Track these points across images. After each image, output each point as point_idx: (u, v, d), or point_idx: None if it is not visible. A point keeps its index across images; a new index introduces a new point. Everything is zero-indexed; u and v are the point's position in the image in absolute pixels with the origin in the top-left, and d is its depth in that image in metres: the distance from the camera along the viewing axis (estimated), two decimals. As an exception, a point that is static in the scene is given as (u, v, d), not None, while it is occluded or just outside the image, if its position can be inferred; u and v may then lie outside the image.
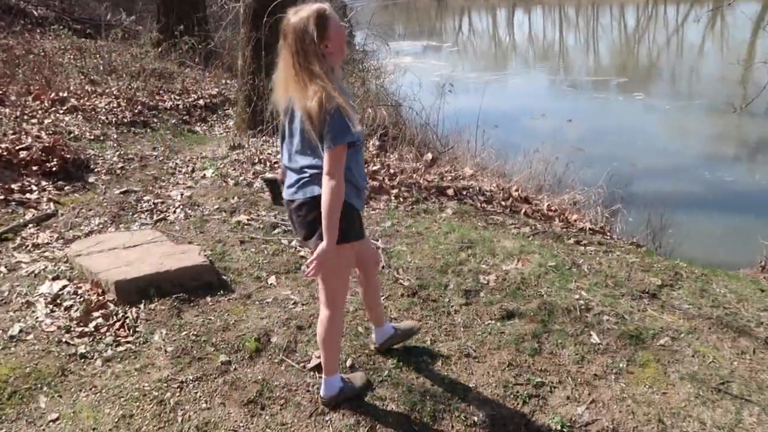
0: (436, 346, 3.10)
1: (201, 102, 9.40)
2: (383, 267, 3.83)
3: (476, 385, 2.83)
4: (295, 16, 2.12)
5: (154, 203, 4.91)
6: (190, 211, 4.75)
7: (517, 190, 6.02)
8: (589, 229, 5.53)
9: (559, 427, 2.59)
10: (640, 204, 6.77)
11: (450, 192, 5.53)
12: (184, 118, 8.47)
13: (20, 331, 3.03)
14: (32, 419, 2.50)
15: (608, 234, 5.76)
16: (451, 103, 8.69)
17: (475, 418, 2.61)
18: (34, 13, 11.71)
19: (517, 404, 2.73)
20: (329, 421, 2.56)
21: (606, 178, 6.72)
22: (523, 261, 3.99)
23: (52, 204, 4.73)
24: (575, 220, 5.80)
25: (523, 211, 5.55)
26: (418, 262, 3.94)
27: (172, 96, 9.19)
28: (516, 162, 7.45)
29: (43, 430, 2.44)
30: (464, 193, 5.61)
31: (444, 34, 37.23)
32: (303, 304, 3.41)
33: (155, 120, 7.81)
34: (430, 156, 6.45)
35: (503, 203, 5.66)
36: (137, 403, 2.60)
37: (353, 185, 2.27)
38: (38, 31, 10.97)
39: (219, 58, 12.03)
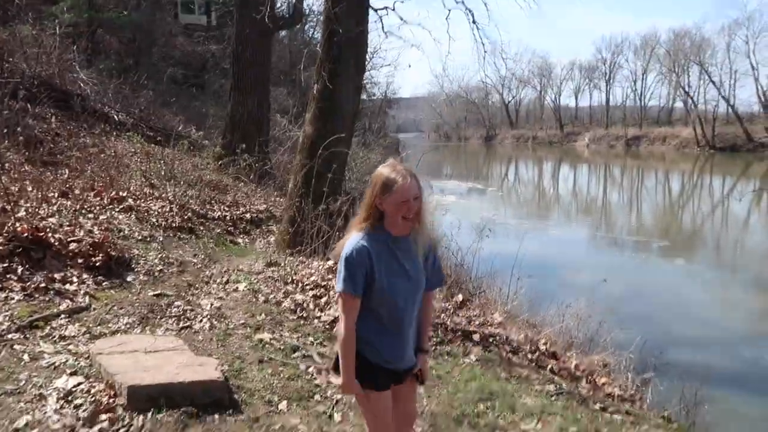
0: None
1: (248, 215, 9.82)
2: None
3: None
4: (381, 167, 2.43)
5: (183, 310, 5.00)
6: (216, 322, 4.80)
7: (545, 344, 5.88)
8: (618, 395, 5.28)
9: None
10: (674, 374, 6.45)
11: (476, 337, 5.44)
12: (229, 228, 8.82)
13: (26, 424, 3.02)
14: None
15: (638, 403, 5.47)
16: (489, 247, 8.81)
17: None
18: (115, 118, 12.80)
19: None
20: None
21: (639, 343, 6.51)
22: (543, 422, 3.81)
23: (87, 297, 4.87)
24: (603, 384, 5.56)
25: (549, 366, 5.38)
26: (434, 408, 3.82)
27: (222, 207, 9.65)
28: (547, 314, 7.34)
29: None
30: (491, 340, 5.51)
31: (490, 178, 38.66)
32: (310, 438, 3.30)
33: (202, 228, 8.15)
34: (460, 297, 6.44)
35: (530, 356, 5.51)
36: None
37: (364, 341, 2.38)
38: (114, 134, 11.97)
39: (272, 178, 12.72)
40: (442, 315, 5.68)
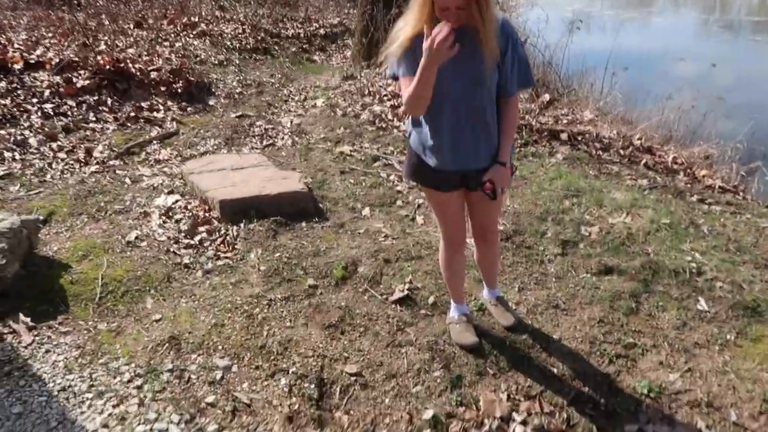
0: (524, 294, 2.99)
1: (322, 31, 9.49)
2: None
3: (560, 338, 2.71)
4: None
5: (265, 128, 5.09)
6: (297, 138, 4.87)
7: (639, 139, 5.53)
8: (719, 187, 4.99)
9: (645, 392, 2.42)
10: (786, 164, 5.97)
11: (563, 136, 5.19)
12: (303, 46, 8.60)
13: (136, 237, 3.31)
14: (139, 317, 2.75)
15: (741, 194, 5.17)
16: (581, 42, 8.04)
17: (555, 370, 2.51)
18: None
19: (603, 362, 2.59)
20: (404, 354, 2.58)
21: (747, 133, 5.97)
22: (633, 215, 3.69)
23: (175, 123, 5.05)
24: (704, 176, 5.25)
25: (643, 162, 5.10)
26: (518, 207, 3.79)
27: (295, 24, 9.34)
28: (644, 109, 6.81)
29: (147, 327, 2.69)
30: (579, 138, 5.24)
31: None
32: (393, 238, 3.42)
33: (276, 47, 8.00)
34: (547, 97, 6.07)
35: (621, 152, 5.23)
36: (229, 314, 2.77)
37: (412, 136, 2.26)
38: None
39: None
40: (527, 116, 5.41)
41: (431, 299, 2.91)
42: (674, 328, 2.78)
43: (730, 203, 4.47)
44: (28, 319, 2.66)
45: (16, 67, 5.07)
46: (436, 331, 2.72)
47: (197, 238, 3.34)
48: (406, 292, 2.94)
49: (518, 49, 2.04)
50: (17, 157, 4.18)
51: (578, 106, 6.29)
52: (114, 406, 2.23)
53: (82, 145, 4.45)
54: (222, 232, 3.40)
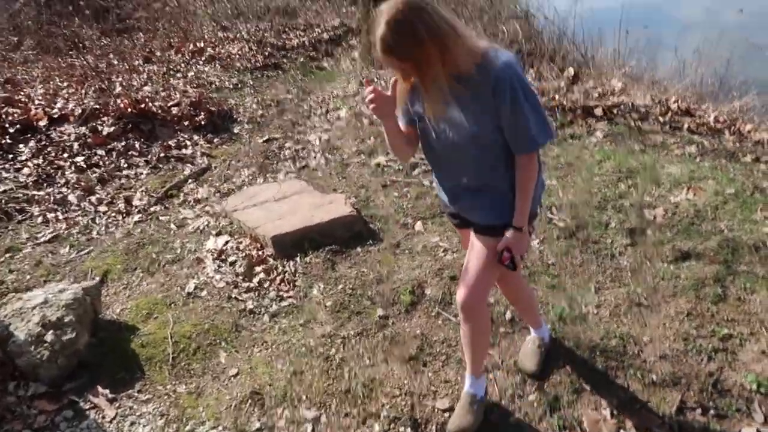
0: (602, 294, 2.88)
1: (325, 35, 9.35)
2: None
3: (651, 339, 2.60)
4: None
5: (295, 150, 5.02)
6: (329, 156, 4.79)
7: (676, 102, 5.34)
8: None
9: (754, 387, 2.31)
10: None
11: (598, 112, 5.03)
12: (311, 54, 8.49)
13: (195, 287, 3.27)
14: (216, 374, 2.71)
15: (792, 144, 4.97)
16: (585, 3, 7.77)
17: (654, 377, 2.41)
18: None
19: (702, 360, 2.48)
20: (493, 379, 2.50)
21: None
22: (694, 189, 3.55)
23: (205, 158, 5.00)
24: (749, 132, 5.05)
25: (685, 126, 4.93)
26: (572, 198, 3.66)
27: (298, 33, 9.23)
28: (671, 67, 6.57)
29: (226, 384, 2.64)
30: (615, 111, 5.08)
31: None
32: (453, 252, 3.32)
33: (285, 60, 7.91)
34: (572, 71, 5.89)
35: (661, 119, 5.05)
36: (305, 359, 2.71)
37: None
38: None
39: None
40: (556, 95, 5.25)
41: (508, 314, 2.82)
42: None
43: (786, 158, 4.29)
44: (107, 391, 2.63)
45: (41, 123, 5.06)
46: (518, 349, 2.63)
47: (256, 279, 3.29)
48: (480, 310, 2.85)
49: (519, 104, 1.72)
50: (60, 216, 4.16)
51: (604, 76, 6.09)
52: (215, 477, 2.19)
53: (120, 195, 4.42)
54: (279, 269, 3.34)
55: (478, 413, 2.23)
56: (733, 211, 3.30)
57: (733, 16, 8.16)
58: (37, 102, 5.45)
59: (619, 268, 3.03)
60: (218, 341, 2.89)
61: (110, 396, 2.60)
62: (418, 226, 3.63)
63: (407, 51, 1.63)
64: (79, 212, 4.23)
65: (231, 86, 6.61)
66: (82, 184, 4.53)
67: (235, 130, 5.50)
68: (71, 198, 4.37)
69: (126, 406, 2.57)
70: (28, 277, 3.48)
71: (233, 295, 3.19)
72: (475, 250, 2.05)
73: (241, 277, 3.31)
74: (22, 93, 5.76)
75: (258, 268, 3.35)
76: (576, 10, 7.32)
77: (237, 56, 7.62)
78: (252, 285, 3.25)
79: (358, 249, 3.45)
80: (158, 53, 7.48)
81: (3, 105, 5.24)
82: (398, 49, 1.63)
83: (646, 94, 5.52)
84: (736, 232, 3.12)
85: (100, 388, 2.62)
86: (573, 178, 3.90)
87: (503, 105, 1.73)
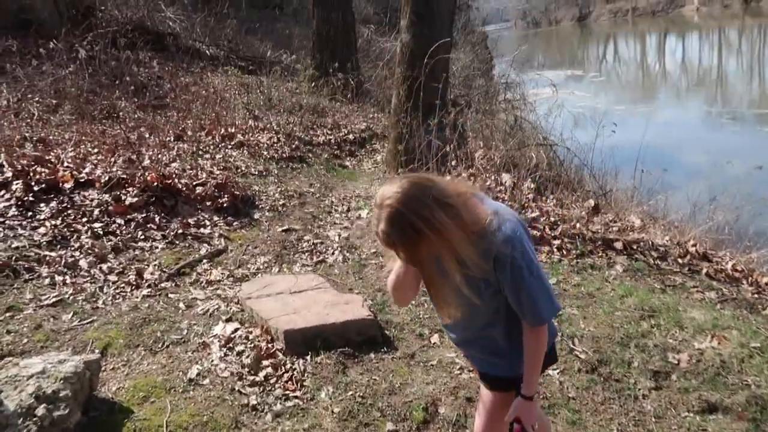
0: (625, 439, 2.73)
1: (350, 136, 9.67)
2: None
3: (678, 495, 2.43)
4: None
5: (313, 243, 5.01)
6: (348, 254, 4.77)
7: (694, 246, 5.38)
8: (786, 296, 4.78)
9: None
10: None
11: (618, 245, 5.05)
12: (335, 152, 8.72)
13: (198, 374, 3.12)
14: (210, 474, 2.51)
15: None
16: (606, 140, 8.08)
17: None
18: (207, 52, 12.83)
19: None
20: None
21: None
22: (719, 338, 3.47)
23: (222, 240, 4.98)
24: (766, 284, 5.05)
25: (704, 271, 4.92)
26: (594, 330, 3.58)
27: (325, 130, 9.54)
28: (687, 211, 6.70)
29: (220, 487, 2.45)
30: (635, 247, 5.10)
31: (587, 62, 35.75)
32: (469, 371, 3.20)
33: (310, 155, 8.11)
34: (592, 203, 5.99)
35: (680, 260, 5.06)
36: (308, 469, 2.53)
37: None
38: (209, 69, 12.03)
39: (367, 95, 12.40)
40: (578, 224, 5.31)
41: (526, 447, 2.65)
42: (802, 480, 2.49)
43: (806, 316, 4.24)
44: (91, 480, 2.43)
45: (66, 186, 5.10)
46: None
47: (262, 374, 3.14)
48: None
49: (524, 282, 1.71)
50: (68, 280, 4.08)
51: (623, 211, 6.20)
52: None
53: (132, 267, 4.36)
54: (288, 366, 3.20)
55: None
56: (760, 366, 3.20)
57: (738, 168, 8.45)
58: (65, 164, 5.52)
59: (643, 412, 2.90)
60: (215, 437, 2.71)
61: (93, 485, 2.40)
62: (435, 338, 3.52)
63: (408, 243, 1.63)
64: (88, 279, 4.15)
65: (256, 173, 6.72)
66: (96, 250, 4.48)
67: (256, 216, 5.53)
68: (82, 263, 4.30)
69: (107, 498, 2.36)
70: (26, 340, 3.34)
71: (237, 388, 3.04)
72: (481, 401, 2.07)
73: (247, 369, 3.17)
74: (52, 153, 5.86)
75: (266, 362, 3.22)
76: (596, 144, 7.60)
77: (265, 145, 7.82)
78: (258, 379, 3.11)
79: (372, 355, 3.33)
80: (189, 133, 7.70)
81: (33, 163, 5.31)
82: (399, 242, 1.63)
83: (664, 235, 5.58)
84: (763, 389, 3.01)
85: (83, 476, 2.43)
86: (594, 310, 3.84)
87: (505, 282, 1.74)
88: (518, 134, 7.79)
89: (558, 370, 3.18)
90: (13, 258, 4.12)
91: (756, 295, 4.64)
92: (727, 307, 4.14)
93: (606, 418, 2.84)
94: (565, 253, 4.86)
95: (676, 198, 7.29)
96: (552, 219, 5.44)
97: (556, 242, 5.01)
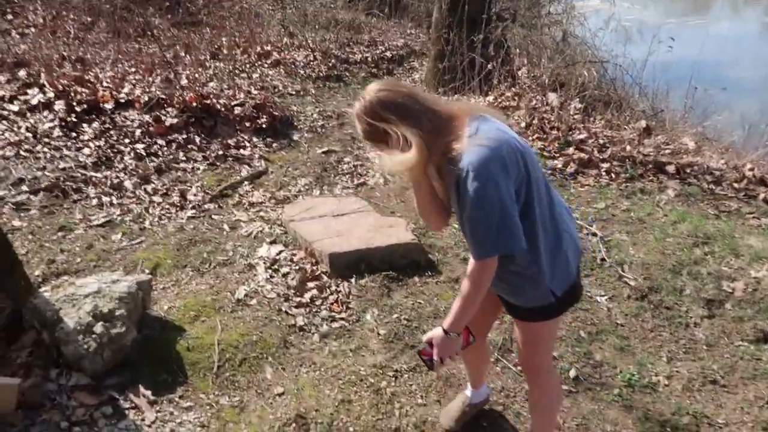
0: (674, 365, 2.70)
1: (388, 54, 9.33)
2: (602, 259, 3.44)
3: (727, 422, 2.41)
4: None
5: (353, 165, 4.94)
6: (389, 177, 4.69)
7: (751, 170, 5.11)
8: None
9: None
10: None
11: (671, 169, 4.84)
12: (372, 71, 8.46)
13: (245, 295, 3.18)
14: (261, 390, 2.59)
15: None
16: (659, 57, 7.60)
17: (732, 467, 2.22)
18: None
19: (783, 455, 2.28)
20: (554, 440, 2.33)
21: None
22: (776, 267, 3.34)
23: (263, 161, 4.95)
24: (827, 210, 4.80)
25: (761, 196, 4.69)
26: (644, 257, 3.48)
27: (361, 48, 9.22)
28: (739, 133, 6.33)
29: (270, 403, 2.53)
30: (687, 171, 4.88)
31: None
32: (515, 296, 3.16)
33: (347, 74, 7.89)
34: (643, 123, 5.70)
35: (735, 185, 4.83)
36: (355, 388, 2.59)
37: None
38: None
39: (405, 9, 11.85)
40: (628, 147, 5.08)
41: (572, 372, 2.65)
42: None
43: None
44: (149, 392, 2.53)
45: (107, 106, 5.08)
46: (584, 411, 2.46)
47: (308, 295, 3.18)
48: (543, 363, 2.68)
49: (464, 207, 1.61)
50: (115, 201, 4.14)
51: (676, 133, 5.89)
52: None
53: (175, 188, 4.38)
54: (333, 288, 3.23)
55: None
56: (821, 297, 3.08)
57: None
58: (105, 84, 5.49)
59: (694, 340, 2.84)
60: (265, 355, 2.78)
61: (151, 398, 2.51)
62: (479, 263, 3.48)
63: (379, 146, 1.68)
64: (134, 199, 4.20)
65: (294, 93, 6.59)
66: (140, 171, 4.52)
67: (295, 137, 5.46)
68: (127, 184, 4.35)
69: (166, 410, 2.47)
70: (79, 259, 3.43)
71: (284, 309, 3.08)
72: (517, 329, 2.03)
73: (293, 291, 3.21)
74: (91, 73, 5.82)
75: (311, 284, 3.25)
76: (649, 61, 7.14)
77: (301, 64, 7.63)
78: (304, 300, 3.15)
79: (416, 278, 3.32)
80: (225, 51, 7.54)
81: (73, 83, 5.28)
82: (372, 144, 1.70)
83: (719, 158, 5.31)
84: (823, 319, 2.91)
85: (141, 388, 2.53)
86: (645, 236, 3.72)
87: (464, 206, 1.62)
88: (566, 51, 7.37)
89: (606, 297, 3.13)
90: (61, 179, 4.18)
91: (816, 222, 4.43)
92: (785, 235, 3.97)
93: (655, 345, 2.80)
94: (614, 176, 4.68)
95: (732, 119, 6.88)
96: (601, 141, 5.22)
97: (605, 165, 4.82)
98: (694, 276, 3.28)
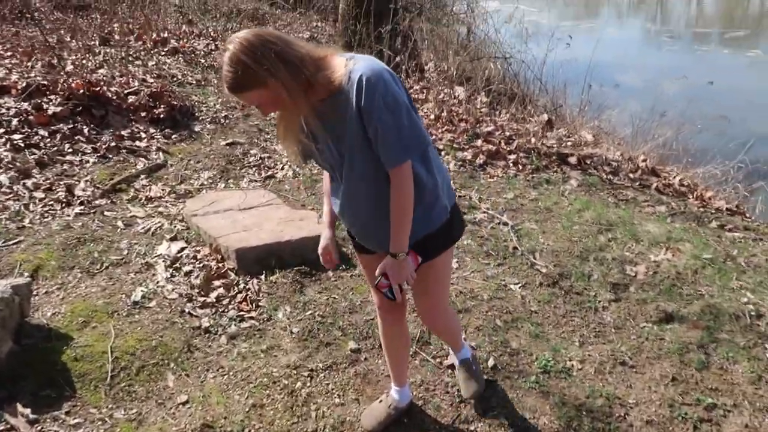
0: (586, 349, 2.75)
1: (294, 46, 9.10)
2: (514, 248, 3.48)
3: (637, 401, 2.47)
4: None
5: (260, 158, 4.72)
6: (298, 169, 4.52)
7: (644, 161, 5.42)
8: (726, 209, 4.92)
9: (743, 465, 2.22)
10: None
11: (572, 160, 5.02)
12: (279, 62, 8.20)
13: (143, 296, 2.90)
14: (161, 400, 2.36)
15: (747, 216, 5.12)
16: (557, 55, 7.93)
17: (644, 445, 2.27)
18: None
19: (687, 429, 2.36)
20: (474, 431, 2.29)
21: (741, 150, 5.95)
22: (673, 250, 3.52)
23: (161, 154, 4.61)
24: (710, 198, 5.18)
25: (654, 185, 4.98)
26: (553, 244, 3.55)
27: (267, 39, 8.94)
28: (636, 127, 6.73)
29: (173, 413, 2.30)
30: (588, 162, 5.08)
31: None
32: (431, 287, 3.11)
33: (252, 64, 7.59)
34: (545, 117, 5.90)
35: (630, 175, 5.10)
36: (267, 391, 2.42)
37: None
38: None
39: (311, 1, 11.64)
40: (532, 139, 5.21)
41: (491, 361, 2.62)
42: (750, 383, 2.59)
43: (747, 228, 4.38)
44: (28, 411, 2.23)
45: (-23, 92, 4.53)
46: (503, 400, 2.44)
47: (213, 294, 2.96)
48: (461, 354, 2.64)
49: (376, 118, 1.58)
50: (-13, 198, 3.68)
51: (575, 126, 6.15)
52: None
53: (61, 182, 3.97)
54: (241, 286, 3.02)
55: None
56: (712, 277, 3.27)
57: (678, 86, 8.53)
58: (-26, 68, 4.90)
59: (603, 323, 2.91)
60: (166, 361, 2.55)
61: (31, 417, 2.21)
62: (394, 255, 3.40)
63: (251, 89, 1.54)
64: (11, 195, 3.76)
65: (194, 82, 6.23)
66: (18, 164, 4.05)
67: (196, 129, 5.14)
68: (2, 179, 3.89)
69: (50, 430, 2.18)
70: (-57, 263, 3.00)
71: (187, 310, 2.85)
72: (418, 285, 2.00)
73: (197, 290, 2.97)
74: (-43, 56, 5.19)
75: (217, 282, 3.03)
76: (548, 58, 7.43)
77: (202, 53, 7.24)
78: (209, 300, 2.92)
79: (329, 272, 3.19)
80: (117, 37, 7.00)
81: (-66, 65, 4.67)
82: (241, 88, 1.55)
83: (616, 150, 5.58)
84: (716, 298, 3.09)
85: (19, 406, 2.23)
86: (553, 225, 3.80)
87: (370, 117, 1.59)
88: (470, 46, 7.50)
89: (519, 285, 3.15)
90: None
91: (701, 209, 4.75)
92: (677, 221, 4.21)
93: (568, 331, 2.84)
94: (521, 167, 4.79)
95: (621, 115, 7.30)
96: (507, 133, 5.33)
97: (512, 157, 4.92)
98: (600, 261, 3.38)
